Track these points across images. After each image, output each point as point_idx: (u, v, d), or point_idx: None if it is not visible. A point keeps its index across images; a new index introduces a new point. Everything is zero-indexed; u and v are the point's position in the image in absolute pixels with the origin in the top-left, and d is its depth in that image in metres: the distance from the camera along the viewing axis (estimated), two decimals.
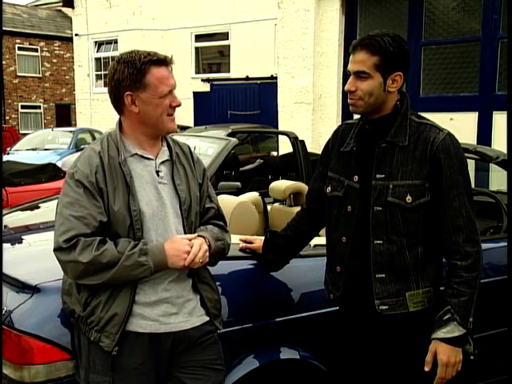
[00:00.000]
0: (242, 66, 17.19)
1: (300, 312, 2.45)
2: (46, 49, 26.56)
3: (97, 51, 19.81)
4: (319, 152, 2.40)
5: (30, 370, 2.01)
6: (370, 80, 2.00)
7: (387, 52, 1.99)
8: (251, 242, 2.51)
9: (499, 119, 6.86)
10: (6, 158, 11.25)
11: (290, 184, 3.88)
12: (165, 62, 1.96)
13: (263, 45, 16.49)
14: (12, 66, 25.41)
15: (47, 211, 3.59)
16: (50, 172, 6.94)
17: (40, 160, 10.39)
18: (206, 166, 3.01)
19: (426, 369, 2.03)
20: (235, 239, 2.42)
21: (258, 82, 16.60)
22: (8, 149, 14.18)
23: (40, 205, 4.09)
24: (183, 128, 11.57)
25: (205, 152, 4.75)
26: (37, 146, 14.49)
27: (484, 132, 7.07)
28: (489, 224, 3.58)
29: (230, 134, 6.27)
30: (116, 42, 18.94)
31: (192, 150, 2.20)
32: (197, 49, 18.35)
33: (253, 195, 3.84)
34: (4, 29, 23.34)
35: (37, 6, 29.26)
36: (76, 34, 20.07)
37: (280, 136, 8.14)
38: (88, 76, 19.80)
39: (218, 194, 2.41)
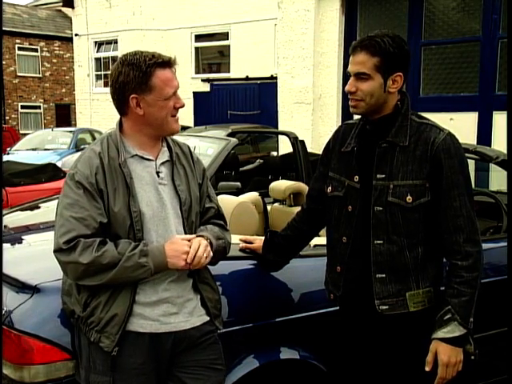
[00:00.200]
0: (241, 66, 17.19)
1: (300, 312, 2.45)
2: (45, 49, 26.56)
3: (97, 51, 19.81)
4: (319, 152, 2.40)
5: (30, 370, 2.01)
6: (371, 81, 2.00)
7: (387, 53, 1.99)
8: (251, 242, 2.52)
9: (499, 119, 6.87)
10: (5, 158, 11.25)
11: (290, 184, 3.88)
12: (169, 63, 1.96)
13: (263, 45, 16.48)
14: (12, 66, 25.42)
15: (47, 211, 3.59)
16: (49, 172, 6.94)
17: (40, 160, 10.39)
18: (206, 166, 3.02)
19: (427, 369, 2.03)
20: (235, 239, 2.42)
21: (258, 82, 16.59)
22: (8, 149, 14.17)
23: (40, 205, 4.08)
24: (183, 128, 11.56)
25: (205, 152, 4.75)
26: (37, 146, 14.48)
27: (484, 132, 7.07)
28: (489, 224, 3.58)
29: (230, 134, 6.27)
30: (116, 42, 18.95)
31: (192, 150, 2.20)
32: (197, 49, 18.35)
33: (253, 195, 3.84)
34: (4, 29, 23.34)
35: (37, 6, 29.26)
36: (76, 34, 20.06)
37: (280, 136, 8.14)
38: (88, 76, 19.79)
39: (217, 194, 2.41)
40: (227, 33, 17.58)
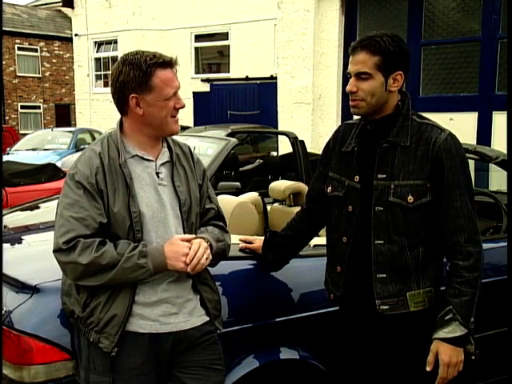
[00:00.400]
0: (241, 66, 17.19)
1: (300, 312, 2.45)
2: (45, 49, 26.56)
3: (96, 51, 19.81)
4: (319, 152, 2.40)
5: (30, 371, 2.01)
6: (372, 80, 2.00)
7: (387, 51, 1.99)
8: (251, 242, 2.51)
9: (499, 119, 6.87)
10: (5, 158, 11.24)
11: (290, 184, 3.88)
12: (170, 63, 1.96)
13: (263, 45, 16.48)
14: (12, 66, 25.41)
15: (47, 211, 3.59)
16: (49, 172, 6.94)
17: (40, 160, 10.39)
18: (206, 166, 3.01)
19: (428, 369, 2.03)
20: (235, 239, 2.42)
21: (258, 82, 16.59)
22: (8, 149, 14.17)
23: (40, 205, 4.08)
24: (183, 128, 11.56)
25: (204, 152, 4.75)
26: (36, 146, 14.48)
27: (484, 132, 7.08)
28: (488, 224, 3.58)
29: (230, 134, 6.27)
30: (116, 42, 18.94)
31: (192, 150, 2.20)
32: (196, 49, 18.34)
33: (252, 195, 3.84)
34: (4, 29, 23.32)
35: (36, 6, 29.26)
36: (76, 34, 20.06)
37: (280, 136, 8.14)
38: (88, 76, 19.79)
39: (217, 194, 2.41)
40: (227, 33, 17.58)
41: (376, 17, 7.87)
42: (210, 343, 2.07)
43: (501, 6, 6.88)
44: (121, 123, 2.03)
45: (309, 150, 5.72)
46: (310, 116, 8.12)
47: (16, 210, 3.93)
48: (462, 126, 6.67)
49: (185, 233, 2.02)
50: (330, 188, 2.20)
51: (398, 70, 2.03)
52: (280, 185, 3.92)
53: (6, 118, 24.80)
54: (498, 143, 6.28)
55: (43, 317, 2.09)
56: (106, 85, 19.20)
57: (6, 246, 2.65)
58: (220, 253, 2.08)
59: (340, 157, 2.19)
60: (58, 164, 9.25)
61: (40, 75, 26.53)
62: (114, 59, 18.11)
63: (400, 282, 2.06)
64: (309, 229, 2.40)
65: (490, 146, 6.18)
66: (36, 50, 26.33)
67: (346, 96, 2.10)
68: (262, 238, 2.49)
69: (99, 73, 19.84)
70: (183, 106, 2.01)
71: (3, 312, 2.10)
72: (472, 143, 4.48)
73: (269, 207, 3.93)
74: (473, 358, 2.05)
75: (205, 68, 18.70)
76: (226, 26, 17.33)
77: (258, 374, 2.32)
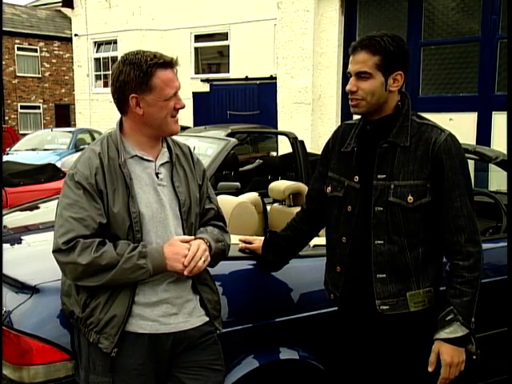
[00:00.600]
0: (241, 67, 17.20)
1: (299, 312, 2.45)
2: (45, 49, 26.55)
3: (96, 51, 19.81)
4: (318, 152, 2.40)
5: (30, 371, 2.01)
6: (372, 80, 2.01)
7: (388, 51, 1.99)
8: (251, 243, 2.51)
9: (498, 119, 6.87)
10: (5, 158, 11.23)
11: (290, 184, 3.88)
12: (171, 64, 1.96)
13: (263, 45, 16.49)
14: (11, 67, 25.40)
15: (46, 211, 3.59)
16: (49, 172, 6.94)
17: (39, 160, 10.39)
18: (206, 166, 3.01)
19: (430, 369, 2.03)
20: (235, 239, 2.42)
21: (258, 82, 16.60)
22: (7, 149, 14.17)
23: (39, 205, 4.08)
24: (183, 128, 11.57)
25: (204, 152, 4.75)
26: (36, 146, 14.48)
27: (483, 132, 7.08)
28: (488, 224, 3.58)
29: (230, 135, 6.28)
30: (115, 42, 18.94)
31: (192, 150, 2.20)
32: (196, 49, 18.35)
33: (252, 195, 3.84)
34: (3, 29, 23.32)
35: (36, 6, 29.25)
36: (75, 35, 20.07)
37: (279, 136, 8.14)
38: (87, 76, 19.79)
39: (217, 195, 2.41)
40: (227, 33, 17.59)
41: (376, 17, 7.87)
42: (209, 343, 2.07)
43: (500, 6, 6.89)
44: (120, 123, 2.03)
45: (308, 150, 5.71)
46: (309, 116, 8.12)
47: (16, 210, 3.93)
48: (461, 126, 6.67)
49: (184, 233, 2.02)
50: (329, 188, 2.20)
51: (398, 70, 2.03)
52: (280, 185, 3.92)
53: (6, 118, 24.79)
54: (498, 143, 6.28)
55: (43, 317, 2.09)
56: (105, 85, 19.21)
57: (5, 246, 2.65)
58: (219, 253, 2.08)
59: (339, 157, 2.19)
60: (58, 164, 9.24)
61: (40, 75, 26.52)
62: (114, 59, 18.12)
63: (400, 282, 2.06)
64: (309, 229, 2.40)
65: (489, 146, 6.17)
66: (36, 50, 26.33)
67: (345, 96, 2.11)
68: (262, 238, 2.49)
69: (99, 73, 19.84)
70: (183, 107, 2.00)
71: (3, 312, 2.10)
72: (472, 143, 4.49)
73: (268, 207, 3.93)
74: (474, 357, 2.05)
75: (204, 68, 18.70)
76: (225, 26, 17.34)
77: (257, 374, 2.32)
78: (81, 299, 1.95)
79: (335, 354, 2.30)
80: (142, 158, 2.00)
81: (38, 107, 26.60)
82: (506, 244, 2.80)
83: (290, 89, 8.24)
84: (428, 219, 2.05)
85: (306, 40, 8.02)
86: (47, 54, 26.63)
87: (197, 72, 18.36)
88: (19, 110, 25.89)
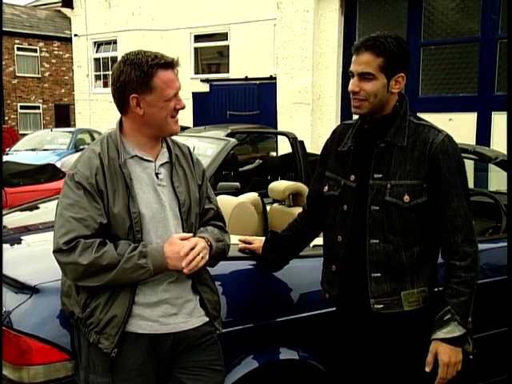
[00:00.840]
0: (241, 67, 17.20)
1: (299, 312, 2.45)
2: (45, 49, 26.55)
3: (96, 51, 19.81)
4: (318, 152, 2.40)
5: (29, 371, 2.01)
6: (375, 81, 2.01)
7: (391, 53, 2.00)
8: (250, 243, 2.52)
9: (498, 120, 6.87)
10: (5, 158, 11.24)
11: (289, 184, 3.88)
12: (172, 64, 1.96)
13: (262, 45, 16.49)
14: (11, 67, 25.40)
15: (46, 212, 3.59)
16: (49, 172, 6.94)
17: (39, 160, 10.39)
18: (205, 166, 3.02)
19: (428, 369, 2.03)
20: (234, 240, 2.42)
21: (257, 82, 16.60)
22: (7, 149, 14.17)
23: (39, 205, 4.08)
24: (182, 128, 11.57)
25: (204, 152, 4.75)
26: (36, 146, 14.48)
27: (483, 132, 7.08)
28: (488, 224, 3.58)
29: (229, 135, 6.29)
30: (115, 42, 18.95)
31: (192, 151, 2.20)
32: (196, 49, 18.36)
33: (252, 196, 3.84)
34: (3, 29, 23.30)
35: (36, 6, 29.25)
36: (75, 35, 20.07)
37: (279, 136, 8.14)
38: (87, 76, 19.79)
39: (217, 195, 2.41)
40: (226, 33, 17.59)
41: (375, 17, 7.87)
42: (209, 344, 2.07)
43: (500, 6, 6.89)
44: (120, 123, 2.03)
45: (308, 150, 5.72)
46: (309, 116, 8.12)
47: (15, 211, 3.93)
48: (461, 126, 6.68)
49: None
50: (326, 187, 2.20)
51: (401, 72, 2.04)
52: (279, 185, 3.92)
53: (6, 118, 24.79)
54: (498, 143, 6.28)
55: (42, 317, 2.09)
56: (105, 85, 19.21)
57: (5, 246, 2.65)
58: (220, 253, 2.08)
59: (336, 156, 2.19)
60: (58, 164, 9.24)
61: (39, 75, 26.52)
62: (114, 59, 18.13)
63: (394, 282, 2.07)
64: (310, 230, 2.41)
65: (489, 147, 6.18)
66: (35, 51, 26.32)
67: (345, 96, 2.11)
68: (262, 238, 2.49)
69: (99, 73, 19.84)
70: (183, 107, 2.01)
71: (3, 312, 2.10)
72: (471, 143, 4.49)
73: (268, 207, 3.93)
74: (471, 357, 2.06)
75: (204, 68, 18.70)
76: (225, 26, 17.34)
77: (257, 374, 2.32)
78: (81, 299, 1.95)
79: (334, 353, 2.30)
80: (142, 159, 2.00)
81: (38, 107, 26.59)
82: (505, 244, 2.80)
83: (290, 89, 8.24)
84: (424, 219, 2.05)
85: (306, 40, 8.02)
86: (47, 54, 26.63)
87: (196, 72, 18.36)
88: (19, 110, 25.89)
